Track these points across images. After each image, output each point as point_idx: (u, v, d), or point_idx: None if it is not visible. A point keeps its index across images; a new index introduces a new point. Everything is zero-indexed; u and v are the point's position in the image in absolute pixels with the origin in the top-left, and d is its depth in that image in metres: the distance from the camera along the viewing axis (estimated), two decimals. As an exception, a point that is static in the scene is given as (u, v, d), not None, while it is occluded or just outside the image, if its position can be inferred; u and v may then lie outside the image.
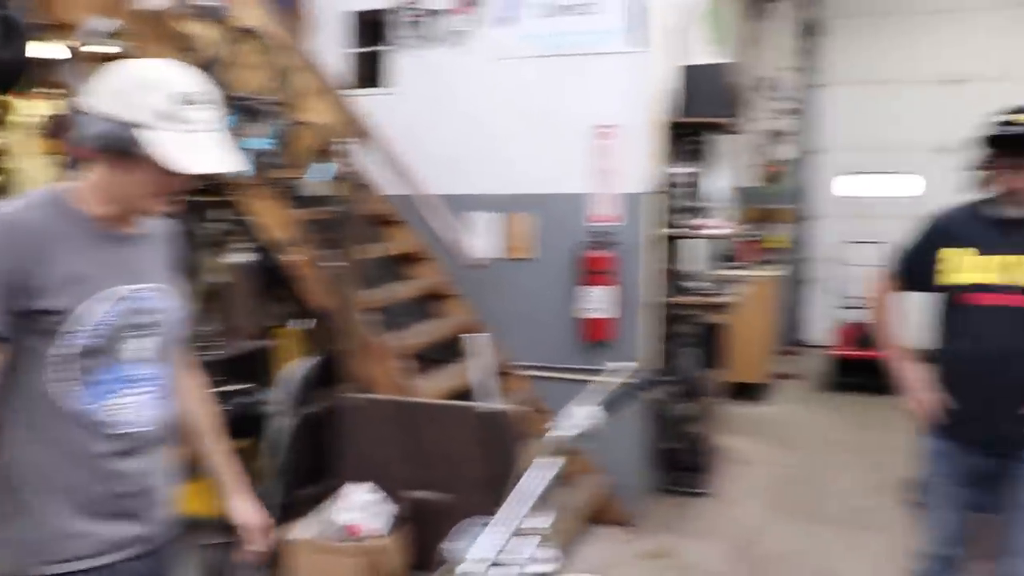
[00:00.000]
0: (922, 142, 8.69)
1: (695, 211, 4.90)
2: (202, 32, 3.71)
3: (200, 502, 2.44)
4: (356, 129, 3.88)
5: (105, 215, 1.72)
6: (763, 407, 7.33)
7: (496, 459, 3.37)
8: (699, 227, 4.78)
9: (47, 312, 1.62)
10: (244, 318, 4.14)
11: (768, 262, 8.00)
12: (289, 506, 3.76)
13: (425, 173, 4.52)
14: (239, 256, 4.10)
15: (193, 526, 2.25)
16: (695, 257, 6.14)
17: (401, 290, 4.60)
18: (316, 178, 3.82)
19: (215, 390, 2.26)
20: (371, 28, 4.99)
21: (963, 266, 2.78)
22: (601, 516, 4.80)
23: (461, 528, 2.76)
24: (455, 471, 3.71)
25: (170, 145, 1.62)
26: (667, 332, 5.01)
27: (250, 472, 2.08)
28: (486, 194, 4.85)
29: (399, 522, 3.62)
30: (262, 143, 3.59)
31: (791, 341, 9.58)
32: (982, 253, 2.75)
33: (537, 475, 2.07)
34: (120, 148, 1.63)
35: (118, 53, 3.33)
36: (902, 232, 3.10)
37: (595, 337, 4.66)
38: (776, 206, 9.42)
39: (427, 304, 4.91)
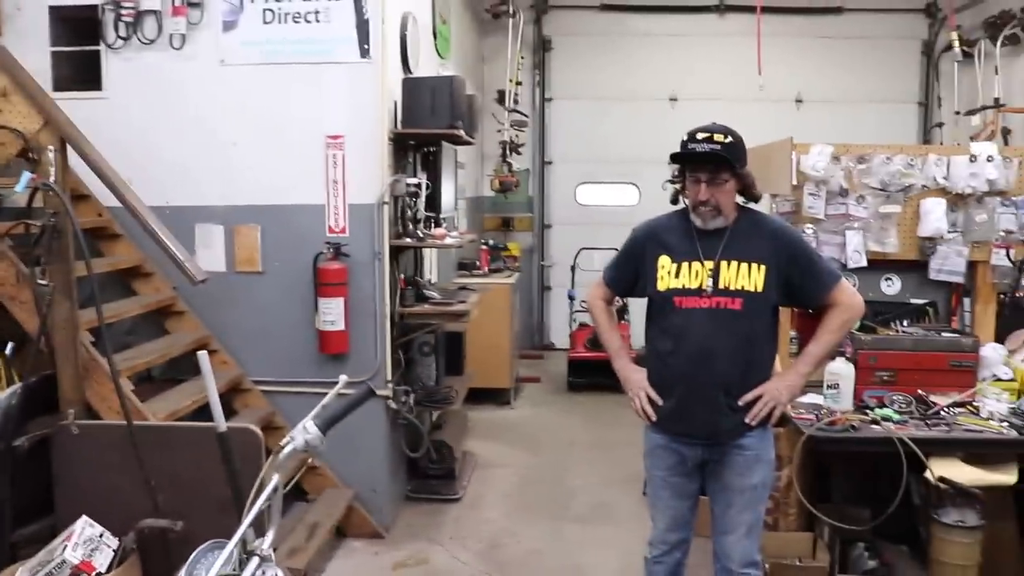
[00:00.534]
0: (639, 155, 9.38)
1: (430, 221, 4.97)
2: None
3: None
4: (61, 135, 3.57)
5: None
6: (507, 411, 7.56)
7: (234, 480, 3.24)
8: (435, 236, 4.85)
9: None
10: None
11: (507, 269, 8.26)
12: (5, 549, 3.41)
13: (147, 183, 4.25)
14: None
15: None
16: (433, 266, 6.24)
17: (125, 307, 4.31)
18: (17, 188, 3.47)
19: None
20: (82, 26, 4.63)
21: (663, 273, 2.99)
22: (351, 529, 4.76)
23: (196, 554, 2.64)
24: (191, 495, 3.52)
25: None
26: (406, 342, 5.04)
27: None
28: (213, 205, 4.64)
29: (127, 554, 3.39)
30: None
31: (535, 345, 9.98)
32: (678, 260, 2.98)
33: (265, 493, 2.02)
34: None
35: None
36: (622, 239, 3.29)
37: (332, 350, 4.60)
38: (513, 215, 9.82)
39: (157, 321, 4.64)
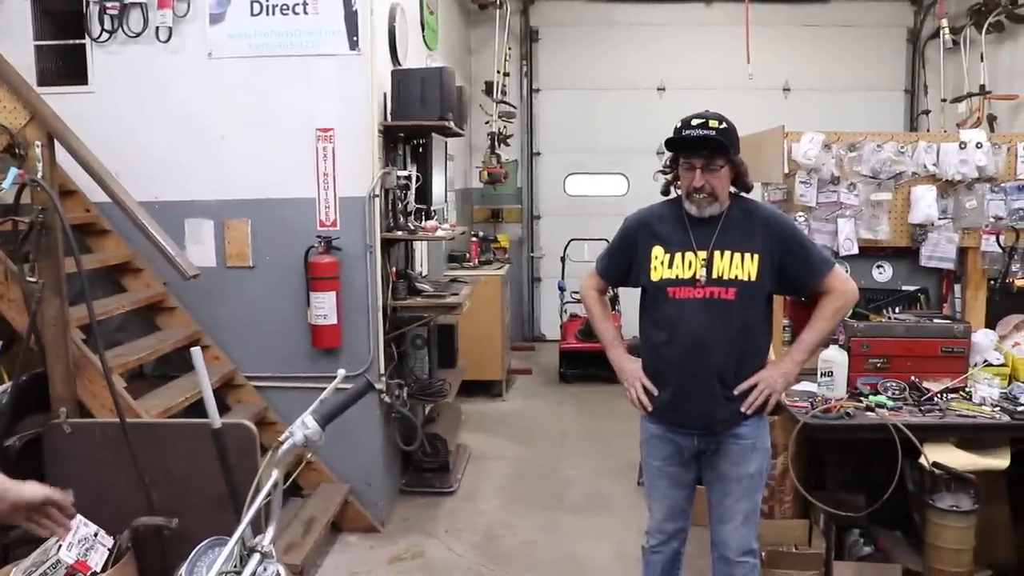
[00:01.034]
0: (628, 145, 9.38)
1: (421, 213, 4.95)
2: None
3: None
4: (48, 130, 3.53)
5: None
6: (499, 403, 7.56)
7: (229, 476, 3.22)
8: (426, 229, 4.83)
9: None
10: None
11: (497, 261, 8.25)
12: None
13: (136, 178, 4.22)
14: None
15: None
16: (424, 259, 6.22)
17: (115, 304, 4.28)
18: (4, 185, 3.44)
19: None
20: (66, 19, 4.58)
21: (657, 263, 2.99)
22: (347, 523, 4.75)
23: (196, 551, 2.63)
24: (186, 492, 3.50)
25: None
26: (399, 335, 5.02)
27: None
28: (203, 200, 4.61)
29: (123, 553, 3.37)
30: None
31: (527, 337, 9.98)
32: (671, 250, 2.97)
33: (265, 489, 2.01)
34: None
35: None
36: (611, 229, 3.28)
37: (325, 344, 4.58)
38: (503, 206, 9.80)
39: (148, 317, 4.61)
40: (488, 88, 8.34)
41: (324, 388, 2.23)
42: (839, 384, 3.74)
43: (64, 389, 3.64)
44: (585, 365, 7.90)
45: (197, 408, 3.98)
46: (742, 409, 2.97)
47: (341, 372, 2.27)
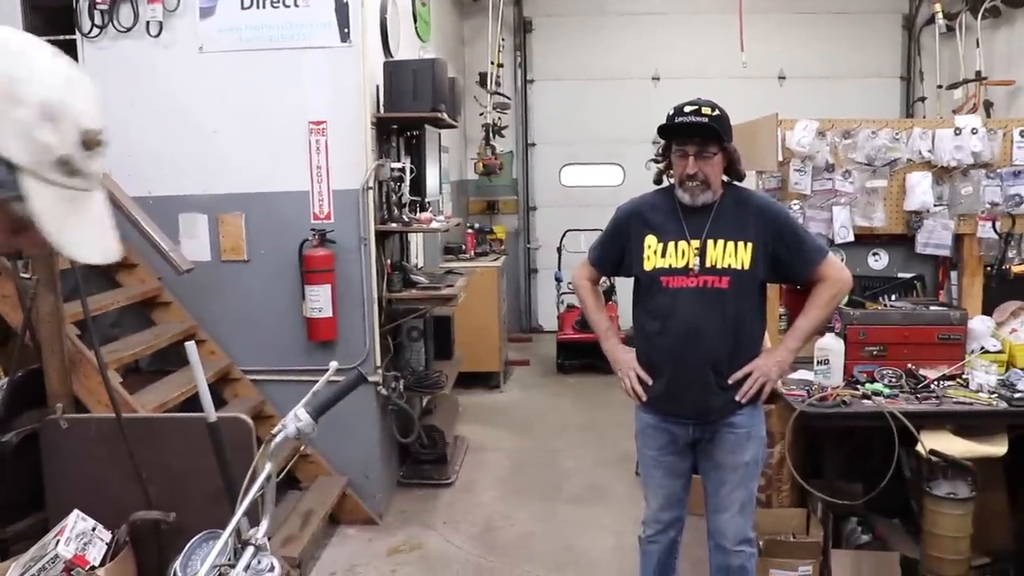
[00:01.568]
0: (623, 135, 9.36)
1: (416, 205, 4.94)
2: None
3: None
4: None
5: None
6: (497, 394, 7.56)
7: (225, 470, 3.22)
8: (421, 221, 4.82)
9: None
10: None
11: (493, 252, 8.24)
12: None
13: (129, 174, 4.20)
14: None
15: None
16: (420, 251, 6.21)
17: (110, 299, 4.27)
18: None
19: None
20: (56, 15, 4.55)
21: (649, 252, 2.98)
22: (344, 516, 4.75)
23: (190, 544, 2.62)
24: (182, 486, 3.49)
25: (57, 211, 1.09)
26: (395, 327, 5.01)
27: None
28: (196, 194, 4.59)
29: (121, 547, 3.37)
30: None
31: (524, 328, 9.97)
32: (664, 239, 2.97)
33: (258, 482, 2.00)
34: None
35: None
36: (607, 220, 3.27)
37: (320, 337, 4.57)
38: (498, 198, 9.79)
39: (143, 312, 4.60)
40: (482, 79, 8.31)
41: (340, 381, 2.22)
42: (836, 372, 3.73)
43: (60, 385, 3.62)
44: (583, 356, 7.90)
45: (194, 402, 3.98)
46: (736, 398, 2.97)
47: (333, 364, 2.26)
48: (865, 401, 3.58)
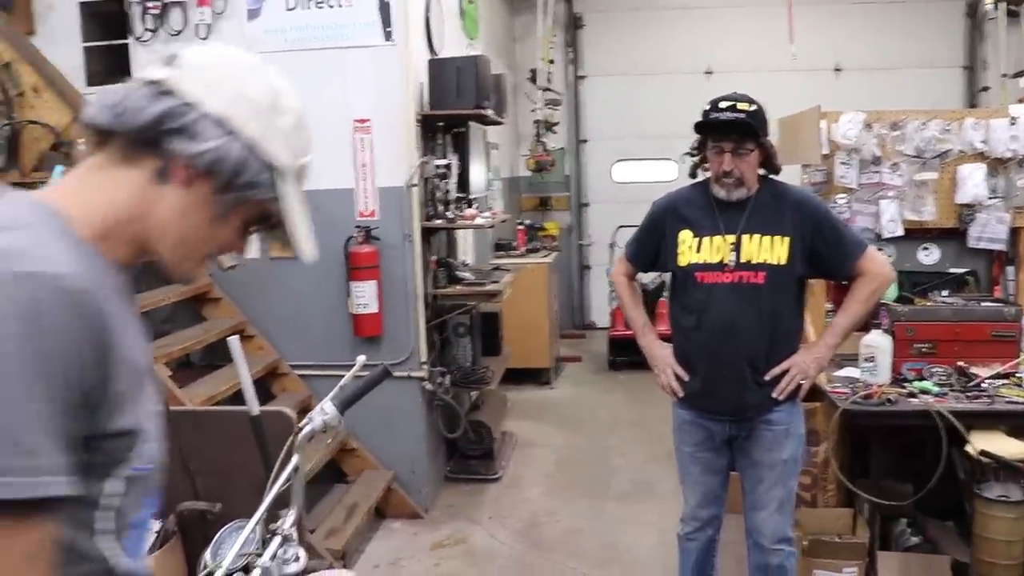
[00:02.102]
0: (675, 130, 9.24)
1: (461, 202, 4.96)
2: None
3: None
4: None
5: (121, 261, 1.12)
6: (547, 391, 7.56)
7: (267, 462, 3.28)
8: (466, 217, 4.85)
9: (119, 434, 1.05)
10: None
11: (544, 249, 8.24)
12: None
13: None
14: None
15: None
16: (469, 248, 6.24)
17: (161, 295, 4.38)
18: (54, 182, 3.54)
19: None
20: (111, 20, 4.69)
21: (684, 248, 2.95)
22: (390, 510, 4.81)
23: (220, 533, 2.68)
24: (228, 478, 3.57)
25: (299, 212, 1.22)
26: (441, 323, 5.05)
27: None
28: (245, 193, 4.68)
29: (169, 536, 3.46)
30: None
31: (577, 325, 9.95)
32: (699, 235, 2.94)
33: (285, 473, 2.05)
34: (245, 189, 1.13)
35: None
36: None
37: (366, 332, 4.63)
38: (551, 194, 9.78)
39: (194, 308, 4.72)
40: (533, 76, 8.31)
41: (366, 376, 2.26)
42: (882, 370, 3.65)
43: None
44: (635, 352, 7.79)
45: (241, 396, 4.07)
46: (773, 395, 2.92)
47: (360, 359, 2.30)
48: (912, 399, 3.49)
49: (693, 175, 3.09)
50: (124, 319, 1.06)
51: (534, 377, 7.61)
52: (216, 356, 4.58)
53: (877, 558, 3.63)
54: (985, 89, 8.80)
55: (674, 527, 3.33)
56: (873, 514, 3.74)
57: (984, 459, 3.33)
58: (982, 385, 3.58)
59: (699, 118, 2.88)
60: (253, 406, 3.14)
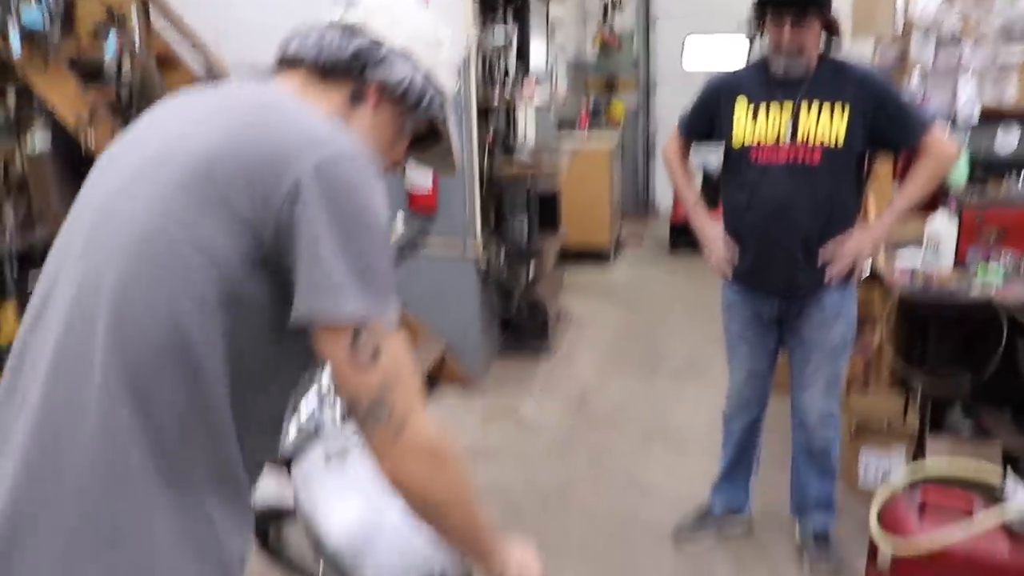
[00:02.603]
0: (747, 8, 8.83)
1: (519, 79, 4.87)
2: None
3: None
4: (145, -2, 3.63)
5: None
6: (605, 271, 7.56)
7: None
8: (523, 95, 4.77)
9: None
10: (51, 206, 3.91)
11: (607, 129, 8.09)
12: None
13: (233, 43, 4.29)
14: (36, 141, 3.83)
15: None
16: (529, 126, 6.15)
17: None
18: (107, 55, 3.57)
19: None
20: None
21: (739, 123, 2.87)
22: (442, 379, 4.93)
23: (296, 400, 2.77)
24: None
25: (453, 131, 1.48)
26: (497, 200, 5.04)
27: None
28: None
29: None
30: (36, 16, 3.30)
31: (640, 207, 9.85)
32: (755, 111, 2.84)
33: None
34: (425, 111, 1.38)
35: None
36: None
37: (421, 209, 4.64)
38: (618, 76, 9.52)
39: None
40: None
41: (422, 252, 2.29)
42: (945, 255, 3.54)
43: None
44: (691, 233, 7.73)
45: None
46: (826, 276, 2.87)
47: (399, 215, 2.31)
48: (974, 288, 3.39)
49: (750, 49, 2.96)
50: None
51: (593, 258, 7.60)
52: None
53: (926, 442, 3.61)
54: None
55: (722, 407, 3.36)
56: (926, 400, 3.70)
57: (1046, 350, 3.26)
58: (1049, 276, 3.46)
59: None
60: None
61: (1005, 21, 3.81)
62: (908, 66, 3.90)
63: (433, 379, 4.87)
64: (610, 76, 9.50)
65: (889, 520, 2.77)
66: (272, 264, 1.13)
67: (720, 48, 9.30)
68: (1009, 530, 2.50)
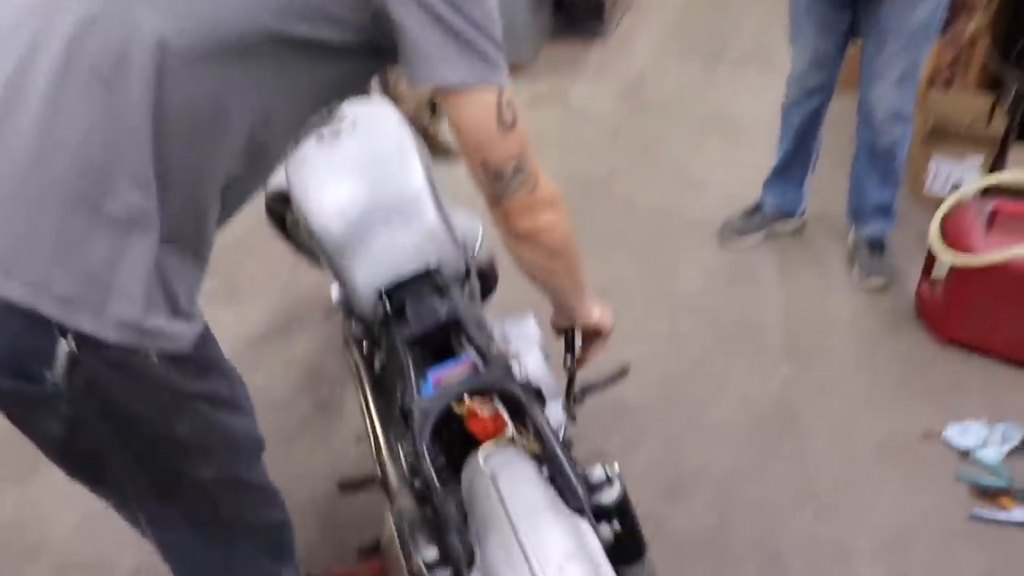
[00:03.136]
0: None
1: None
2: None
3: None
4: None
5: None
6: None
7: None
8: None
9: None
10: None
11: None
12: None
13: None
14: None
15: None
16: None
17: None
18: None
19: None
20: None
21: None
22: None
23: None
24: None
25: None
26: None
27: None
28: None
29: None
30: None
31: None
32: None
33: None
34: None
35: None
36: None
37: None
38: None
39: None
40: None
41: None
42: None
43: None
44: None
45: None
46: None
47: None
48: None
49: None
50: None
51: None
52: None
53: (1009, 150, 3.29)
54: None
55: (781, 93, 3.06)
56: (1018, 103, 3.31)
57: None
58: None
59: None
60: None
61: None
62: None
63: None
64: None
65: (952, 230, 2.58)
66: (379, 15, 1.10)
67: None
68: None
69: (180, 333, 1.14)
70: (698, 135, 4.03)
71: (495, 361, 1.47)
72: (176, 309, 1.14)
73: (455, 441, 1.43)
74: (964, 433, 2.36)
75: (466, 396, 1.41)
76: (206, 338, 1.24)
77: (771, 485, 2.31)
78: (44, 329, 1.04)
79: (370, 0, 1.08)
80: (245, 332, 3.07)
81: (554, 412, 1.74)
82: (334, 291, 1.95)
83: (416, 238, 1.68)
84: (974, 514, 2.15)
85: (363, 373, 1.88)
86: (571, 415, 1.81)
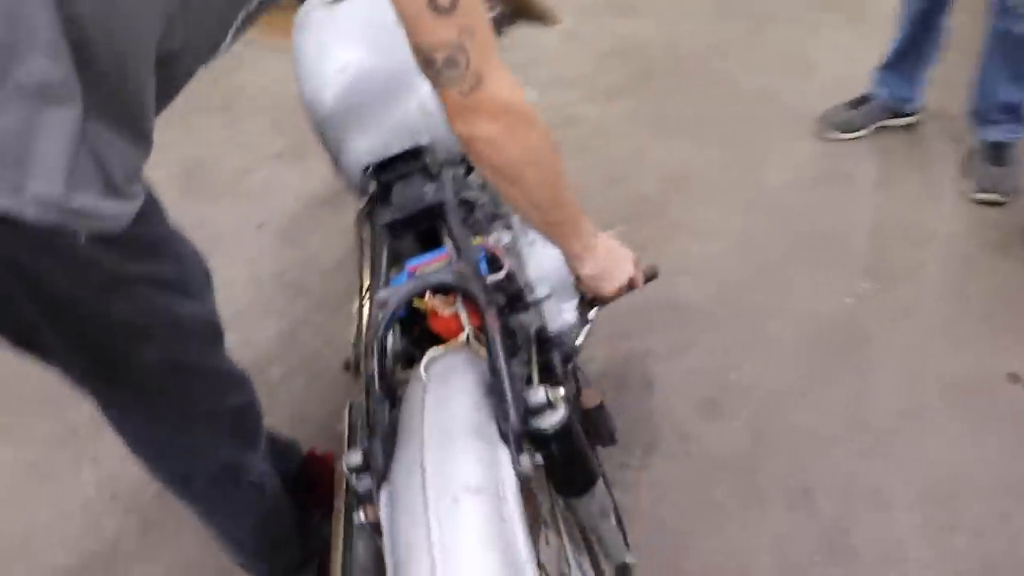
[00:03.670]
0: None
1: None
2: None
3: None
4: None
5: None
6: None
7: None
8: None
9: None
10: None
11: None
12: None
13: None
14: None
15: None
16: None
17: None
18: None
19: None
20: None
21: None
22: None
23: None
24: None
25: None
26: None
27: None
28: None
29: None
30: None
31: None
32: None
33: None
34: None
35: None
36: None
37: None
38: None
39: None
40: None
41: None
42: None
43: None
44: None
45: None
46: None
47: None
48: None
49: None
50: None
51: None
52: None
53: None
54: None
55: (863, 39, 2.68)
56: None
57: None
58: None
59: None
60: None
61: None
62: None
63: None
64: None
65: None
66: None
67: None
68: None
69: (112, 212, 1.06)
70: (814, 13, 3.58)
71: (464, 254, 1.30)
72: (110, 187, 1.04)
73: (425, 340, 1.30)
74: (1054, 382, 2.06)
75: (427, 292, 1.25)
76: (151, 217, 1.16)
77: (818, 413, 2.09)
78: None
79: None
80: (307, 193, 3.00)
81: (568, 313, 1.59)
82: None
83: (409, 112, 1.51)
84: (1046, 474, 1.89)
85: (364, 253, 1.76)
86: (584, 318, 1.64)
